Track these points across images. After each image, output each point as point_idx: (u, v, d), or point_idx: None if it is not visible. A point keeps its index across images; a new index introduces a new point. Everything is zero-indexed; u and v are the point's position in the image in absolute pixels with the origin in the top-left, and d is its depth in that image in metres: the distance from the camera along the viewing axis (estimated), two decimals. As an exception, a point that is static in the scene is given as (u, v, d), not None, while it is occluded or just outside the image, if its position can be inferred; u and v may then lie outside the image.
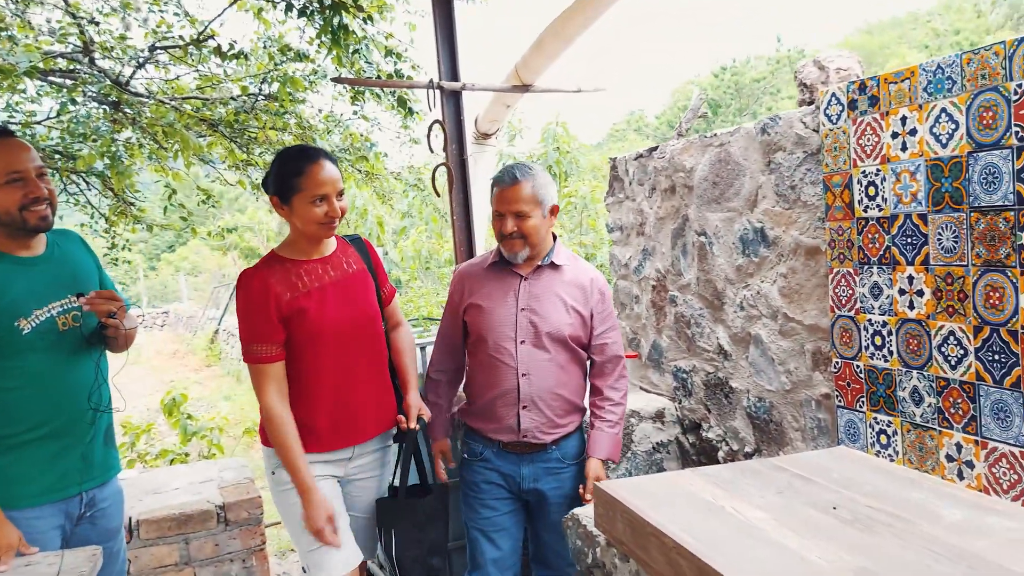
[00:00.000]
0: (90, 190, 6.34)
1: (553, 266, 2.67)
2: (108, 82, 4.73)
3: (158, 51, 4.91)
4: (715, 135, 3.00)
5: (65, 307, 2.21)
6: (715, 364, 3.12)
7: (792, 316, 2.63)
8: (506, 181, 2.58)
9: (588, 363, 2.76)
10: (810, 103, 2.49)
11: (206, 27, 4.73)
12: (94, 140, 5.00)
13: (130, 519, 3.44)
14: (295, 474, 2.31)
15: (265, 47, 5.11)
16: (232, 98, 5.11)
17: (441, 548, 2.61)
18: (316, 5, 3.95)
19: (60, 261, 2.26)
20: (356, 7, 4.03)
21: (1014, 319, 1.80)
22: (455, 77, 3.47)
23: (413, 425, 2.52)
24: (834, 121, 2.30)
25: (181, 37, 4.85)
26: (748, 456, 2.94)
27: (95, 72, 4.78)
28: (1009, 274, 1.80)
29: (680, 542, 1.69)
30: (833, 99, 2.30)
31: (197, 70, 5.15)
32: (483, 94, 4.25)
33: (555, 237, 2.78)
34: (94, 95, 4.92)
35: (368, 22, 4.49)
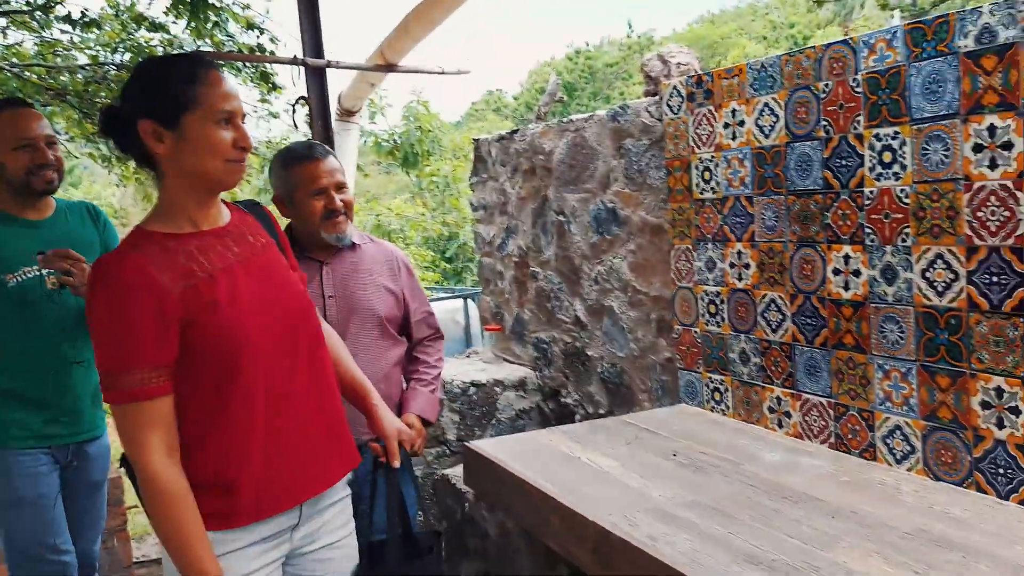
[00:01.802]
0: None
1: (352, 247, 2.40)
2: (-63, 45, 4.40)
3: (-2, 15, 4.60)
4: (571, 120, 3.21)
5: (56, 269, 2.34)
6: (573, 335, 3.35)
7: (640, 289, 2.89)
8: (320, 152, 2.32)
9: (406, 345, 2.51)
10: (654, 94, 2.73)
11: (51, -8, 4.48)
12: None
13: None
14: (197, 566, 1.48)
15: (117, 15, 4.88)
16: (81, 67, 4.86)
17: None
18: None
19: (63, 227, 2.45)
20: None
21: (822, 288, 2.10)
22: (320, 54, 3.50)
23: (396, 463, 1.84)
24: (675, 112, 2.54)
25: (28, 2, 4.56)
26: (602, 418, 3.19)
27: (-79, 33, 4.43)
28: (818, 249, 2.09)
29: (540, 488, 1.89)
30: (674, 92, 2.54)
31: (40, 36, 4.86)
32: (347, 71, 4.28)
33: None
34: (-80, 58, 4.55)
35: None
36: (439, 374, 2.52)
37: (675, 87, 2.54)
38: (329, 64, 3.52)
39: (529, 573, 2.18)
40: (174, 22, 4.65)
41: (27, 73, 4.68)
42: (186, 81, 1.54)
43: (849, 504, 1.74)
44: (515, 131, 3.68)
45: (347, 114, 4.70)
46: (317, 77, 3.53)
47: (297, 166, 2.29)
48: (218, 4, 4.38)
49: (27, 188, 2.34)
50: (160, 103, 1.53)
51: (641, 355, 2.92)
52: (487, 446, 2.27)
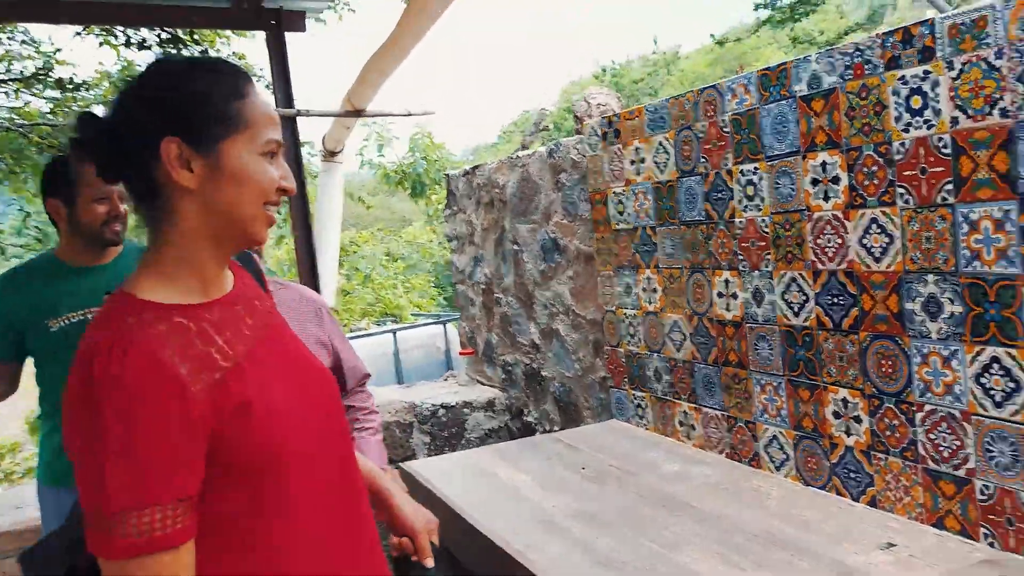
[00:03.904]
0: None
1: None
2: (-48, 109, 4.79)
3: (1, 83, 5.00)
4: (518, 156, 3.43)
5: None
6: (531, 356, 3.55)
7: (579, 313, 3.08)
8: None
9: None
10: (580, 132, 2.94)
11: (48, 59, 4.87)
12: (-57, 164, 5.03)
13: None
14: None
15: (111, 77, 5.25)
16: (80, 125, 5.21)
17: None
18: (156, 39, 4.17)
19: (120, 272, 2.45)
20: (193, 41, 4.28)
21: (710, 310, 2.27)
22: (290, 104, 3.78)
23: (430, 562, 1.47)
24: (594, 149, 2.74)
25: (21, 72, 4.96)
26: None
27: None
28: (705, 274, 2.27)
29: (445, 500, 2.09)
30: (592, 131, 2.74)
31: (44, 98, 5.25)
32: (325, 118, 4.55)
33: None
34: (-61, 122, 4.96)
35: (207, 53, 4.72)
36: (379, 419, 2.24)
37: (592, 127, 2.74)
38: (299, 113, 3.79)
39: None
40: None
41: (31, 133, 5.06)
42: (230, 96, 1.15)
43: (718, 510, 1.91)
44: (477, 166, 3.90)
45: (330, 155, 5.00)
46: (288, 126, 3.80)
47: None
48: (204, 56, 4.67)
49: (100, 239, 2.37)
50: (194, 119, 1.13)
51: (583, 374, 3.11)
52: (418, 465, 2.48)
